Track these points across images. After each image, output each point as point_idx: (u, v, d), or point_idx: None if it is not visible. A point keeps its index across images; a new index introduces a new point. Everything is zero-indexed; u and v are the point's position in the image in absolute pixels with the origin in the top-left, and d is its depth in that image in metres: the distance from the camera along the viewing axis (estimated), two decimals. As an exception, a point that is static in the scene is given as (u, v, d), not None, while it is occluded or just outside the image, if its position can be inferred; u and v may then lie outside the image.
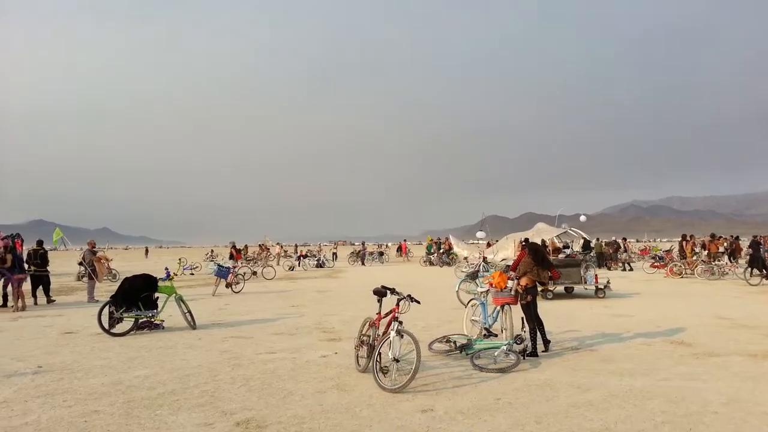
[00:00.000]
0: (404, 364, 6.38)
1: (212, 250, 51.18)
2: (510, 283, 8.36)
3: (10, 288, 14.02)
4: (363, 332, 7.28)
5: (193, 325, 10.57)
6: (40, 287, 15.44)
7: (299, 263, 32.89)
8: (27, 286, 14.94)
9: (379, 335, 6.86)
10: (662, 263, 26.09)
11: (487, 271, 17.48)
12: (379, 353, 6.48)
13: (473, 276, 13.08)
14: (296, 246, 55.43)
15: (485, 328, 8.60)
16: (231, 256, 22.08)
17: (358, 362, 7.19)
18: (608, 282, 15.86)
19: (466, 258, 31.24)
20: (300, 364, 7.48)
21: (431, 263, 34.74)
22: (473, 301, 9.36)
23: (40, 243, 16.13)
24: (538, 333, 8.10)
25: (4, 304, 14.08)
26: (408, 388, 6.07)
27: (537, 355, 7.85)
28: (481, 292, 9.01)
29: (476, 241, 41.55)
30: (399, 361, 6.31)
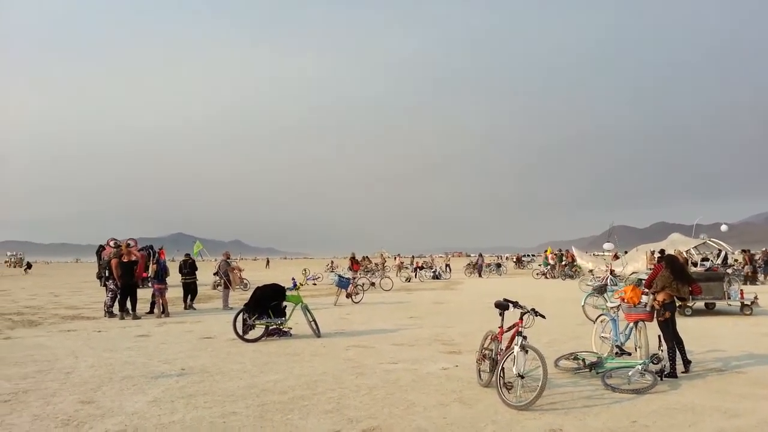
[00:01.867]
0: (529, 381, 6.17)
1: (332, 261, 52.92)
2: (644, 299, 7.82)
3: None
4: (485, 346, 7.14)
5: (317, 334, 10.98)
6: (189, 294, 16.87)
7: (416, 275, 33.07)
8: (171, 294, 16.32)
9: (501, 350, 6.69)
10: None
11: (615, 284, 16.51)
12: (503, 368, 6.31)
13: (601, 290, 12.39)
14: (412, 257, 55.84)
15: (617, 346, 8.09)
16: (351, 267, 22.71)
17: (480, 376, 7.06)
18: (756, 297, 14.34)
19: (591, 271, 29.71)
20: (421, 376, 7.49)
21: (545, 275, 33.53)
22: (602, 317, 8.85)
23: (188, 254, 17.70)
24: (677, 352, 7.49)
25: (151, 311, 15.48)
26: (534, 406, 5.85)
27: (676, 377, 7.25)
28: (612, 308, 8.49)
29: (601, 253, 39.38)
30: (524, 377, 6.11)
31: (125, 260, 15.02)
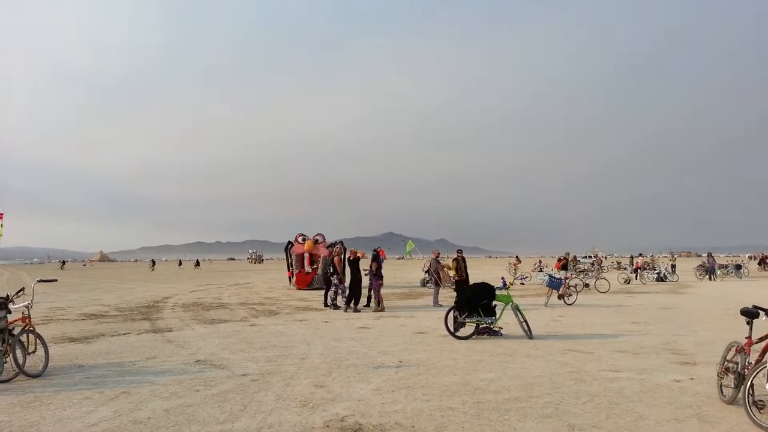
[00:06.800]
0: (787, 401, 5.26)
1: (540, 261, 51.36)
2: None
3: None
4: (728, 358, 6.28)
5: (529, 335, 10.70)
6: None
7: (636, 276, 30.48)
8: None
9: (750, 363, 5.81)
10: None
11: None
12: (752, 384, 5.47)
13: None
14: (631, 257, 51.56)
15: None
16: (563, 267, 21.68)
17: (722, 392, 6.23)
18: None
19: None
20: (650, 387, 6.84)
21: None
22: None
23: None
24: None
25: (367, 304, 16.60)
26: (796, 432, 4.98)
27: None
28: None
29: None
30: (781, 396, 5.23)
31: (350, 258, 16.35)
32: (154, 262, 73.03)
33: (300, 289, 24.87)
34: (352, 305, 15.87)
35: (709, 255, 35.94)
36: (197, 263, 72.00)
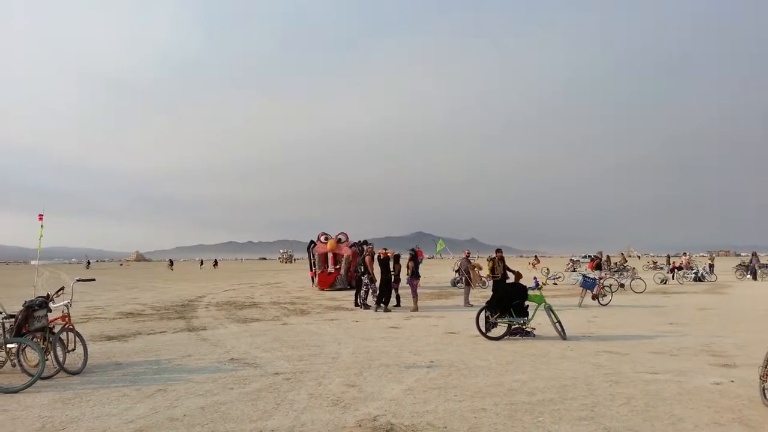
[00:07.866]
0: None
1: (572, 260, 50.62)
2: None
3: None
4: (771, 361, 6.08)
5: (563, 336, 10.54)
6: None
7: (673, 276, 29.77)
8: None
9: (796, 366, 5.62)
10: None
11: None
12: (798, 388, 5.30)
13: None
14: (668, 257, 50.40)
15: None
16: (597, 267, 21.31)
17: (764, 395, 6.03)
18: None
19: None
20: (688, 389, 6.66)
21: None
22: None
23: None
24: None
25: (398, 304, 16.54)
26: None
27: None
28: None
29: None
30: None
31: (381, 257, 16.33)
32: (172, 262, 76.31)
33: (322, 289, 24.39)
34: (382, 305, 15.87)
35: (754, 254, 34.78)
36: (215, 263, 74.16)
